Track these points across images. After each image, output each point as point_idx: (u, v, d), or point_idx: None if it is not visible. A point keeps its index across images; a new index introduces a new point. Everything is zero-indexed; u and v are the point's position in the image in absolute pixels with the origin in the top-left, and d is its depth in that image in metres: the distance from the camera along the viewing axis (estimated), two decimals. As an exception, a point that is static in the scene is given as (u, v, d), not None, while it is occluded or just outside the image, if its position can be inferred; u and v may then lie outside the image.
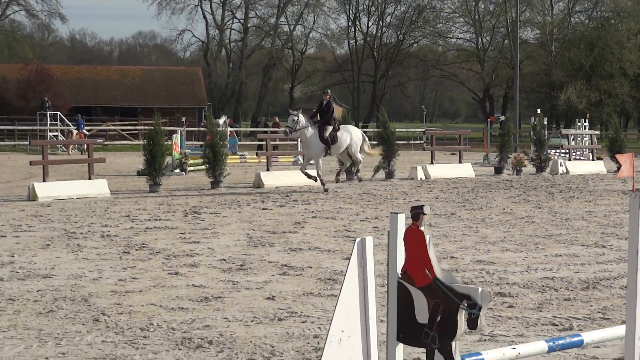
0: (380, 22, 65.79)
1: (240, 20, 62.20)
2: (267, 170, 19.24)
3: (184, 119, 33.75)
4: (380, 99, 65.27)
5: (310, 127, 16.27)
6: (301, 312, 6.66)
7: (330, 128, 16.22)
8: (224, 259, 9.05)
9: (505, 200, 16.45)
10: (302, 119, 16.26)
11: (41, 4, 60.10)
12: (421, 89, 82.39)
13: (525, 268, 8.82)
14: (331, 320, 3.35)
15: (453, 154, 26.44)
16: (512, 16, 54.28)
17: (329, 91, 17.82)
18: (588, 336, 4.37)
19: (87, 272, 8.27)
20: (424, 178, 21.45)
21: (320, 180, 16.60)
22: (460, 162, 23.52)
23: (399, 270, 3.36)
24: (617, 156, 19.28)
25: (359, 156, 17.37)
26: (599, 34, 60.27)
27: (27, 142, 32.92)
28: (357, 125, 27.65)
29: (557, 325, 6.46)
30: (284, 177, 19.43)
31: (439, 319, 3.23)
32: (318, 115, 16.89)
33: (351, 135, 16.92)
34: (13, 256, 9.10)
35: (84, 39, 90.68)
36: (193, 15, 61.32)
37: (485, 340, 5.90)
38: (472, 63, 67.26)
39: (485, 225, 12.38)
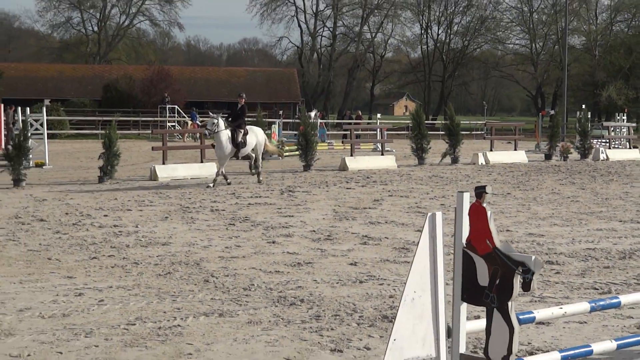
0: (449, 30, 64.26)
1: (330, 29, 62.57)
2: (351, 155, 19.16)
3: (281, 112, 33.84)
4: (448, 96, 64.50)
5: (226, 131, 14.07)
6: (379, 275, 6.64)
7: (241, 132, 14.18)
8: (314, 230, 9.06)
9: (554, 182, 15.79)
10: (221, 122, 14.02)
11: (162, 15, 62.19)
12: (482, 87, 79.76)
13: (571, 240, 8.48)
14: (405, 282, 3.31)
15: (509, 142, 25.53)
16: (561, 25, 52.12)
17: (244, 95, 15.23)
18: (625, 298, 4.15)
19: (198, 240, 8.35)
20: (484, 163, 20.89)
21: (224, 175, 14.32)
22: (515, 149, 23.00)
23: (464, 240, 3.28)
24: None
25: (260, 156, 15.29)
26: (637, 40, 58.60)
27: (149, 131, 33.36)
28: (427, 118, 26.91)
29: (597, 289, 6.21)
30: (365, 161, 19.33)
31: (497, 282, 3.14)
32: (231, 118, 14.71)
33: (257, 138, 14.76)
34: (137, 227, 9.26)
35: (197, 44, 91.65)
36: (290, 24, 62.22)
37: (536, 301, 5.74)
38: (527, 65, 65.54)
39: (536, 204, 11.95)
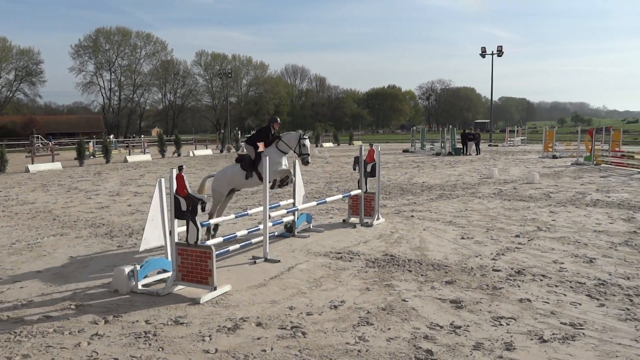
0: None
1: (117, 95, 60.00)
2: (129, 154, 21.26)
3: (111, 136, 35.01)
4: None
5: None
6: (143, 210, 10.42)
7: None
8: (110, 191, 13.21)
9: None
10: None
11: (31, 89, 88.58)
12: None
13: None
14: (148, 210, 6.89)
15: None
16: None
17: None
18: (251, 210, 8.44)
19: (51, 200, 11.83)
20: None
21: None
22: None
23: (174, 190, 6.96)
24: None
25: None
26: None
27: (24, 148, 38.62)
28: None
29: (242, 207, 10.69)
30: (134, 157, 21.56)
31: (190, 208, 6.90)
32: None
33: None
34: (17, 195, 12.04)
35: (50, 104, 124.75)
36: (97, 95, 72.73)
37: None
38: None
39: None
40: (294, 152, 9.27)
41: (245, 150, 9.53)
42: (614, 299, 6.26)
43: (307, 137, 9.31)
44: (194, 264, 6.70)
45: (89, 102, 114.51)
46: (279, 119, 9.78)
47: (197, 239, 6.88)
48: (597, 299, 6.26)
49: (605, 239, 9.33)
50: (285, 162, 9.31)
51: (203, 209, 6.92)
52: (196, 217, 6.82)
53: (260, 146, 9.20)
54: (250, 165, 9.27)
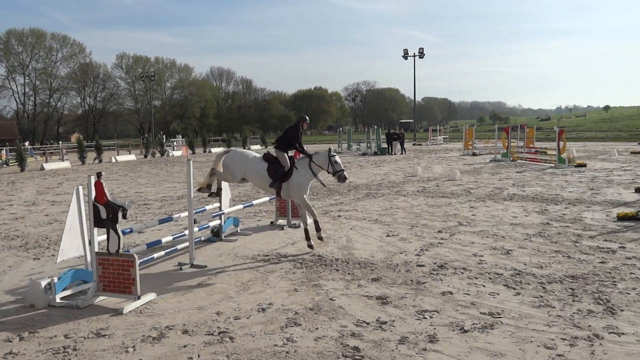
0: None
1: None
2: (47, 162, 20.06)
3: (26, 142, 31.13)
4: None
5: None
6: (60, 219, 9.79)
7: None
8: (26, 201, 11.89)
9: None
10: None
11: None
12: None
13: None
14: (65, 220, 6.59)
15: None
16: None
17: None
18: (176, 215, 8.27)
19: None
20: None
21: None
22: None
23: (93, 198, 6.70)
24: None
25: None
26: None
27: None
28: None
29: (167, 213, 10.45)
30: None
31: (110, 215, 6.67)
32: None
33: None
34: None
35: None
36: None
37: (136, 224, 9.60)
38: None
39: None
40: (327, 171, 8.67)
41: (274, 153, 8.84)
42: (529, 288, 6.58)
43: (335, 154, 8.74)
44: (116, 274, 6.48)
45: (1, 108, 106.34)
46: (307, 118, 9.17)
47: (119, 247, 6.66)
48: (514, 288, 6.56)
49: (520, 231, 9.79)
50: (308, 187, 8.81)
51: (124, 216, 6.70)
52: (117, 225, 6.61)
53: (294, 155, 8.72)
54: (280, 176, 8.61)
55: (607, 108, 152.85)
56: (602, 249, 8.38)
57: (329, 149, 8.79)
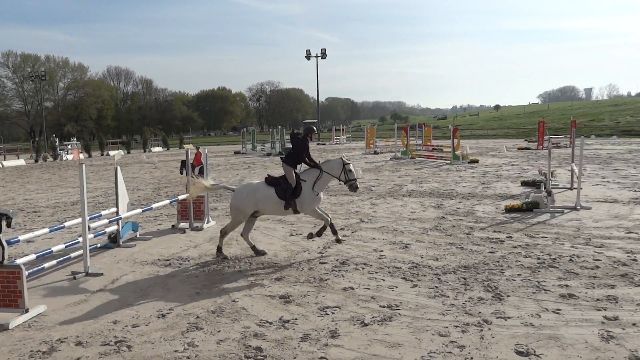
0: None
1: None
2: None
3: None
4: None
5: None
6: None
7: None
8: None
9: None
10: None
11: None
12: None
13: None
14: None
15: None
16: None
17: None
18: (69, 223, 7.83)
19: None
20: None
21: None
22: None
23: None
24: None
25: None
26: None
27: None
28: None
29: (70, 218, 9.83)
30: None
31: (-7, 224, 6.19)
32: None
33: None
34: None
35: None
36: None
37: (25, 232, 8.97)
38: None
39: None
40: (339, 179, 8.30)
41: (283, 170, 8.44)
42: (425, 279, 6.87)
43: (350, 162, 8.37)
44: (1, 287, 6.04)
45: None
46: (315, 129, 8.75)
47: (3, 258, 6.23)
48: (411, 281, 6.83)
49: (418, 226, 10.20)
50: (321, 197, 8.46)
51: (9, 225, 6.27)
52: (0, 235, 6.17)
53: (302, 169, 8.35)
54: (291, 194, 8.20)
55: (497, 107, 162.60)
56: (491, 239, 8.91)
57: (342, 157, 8.52)
